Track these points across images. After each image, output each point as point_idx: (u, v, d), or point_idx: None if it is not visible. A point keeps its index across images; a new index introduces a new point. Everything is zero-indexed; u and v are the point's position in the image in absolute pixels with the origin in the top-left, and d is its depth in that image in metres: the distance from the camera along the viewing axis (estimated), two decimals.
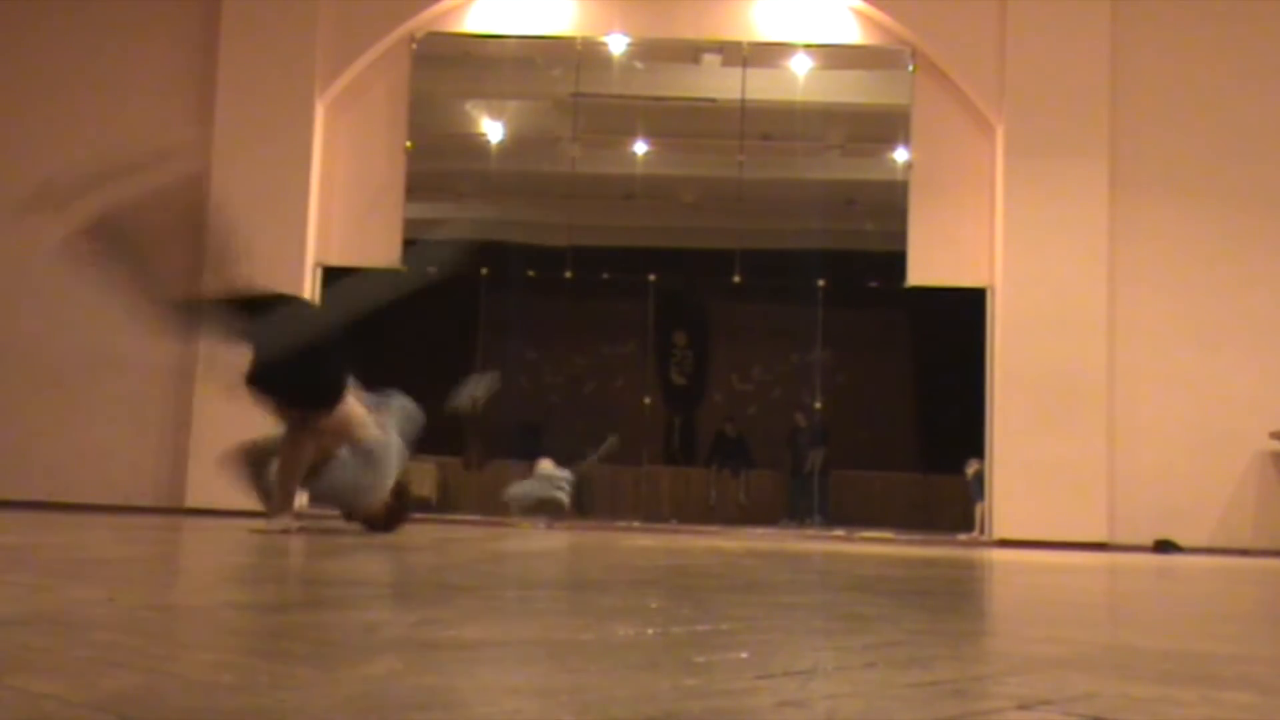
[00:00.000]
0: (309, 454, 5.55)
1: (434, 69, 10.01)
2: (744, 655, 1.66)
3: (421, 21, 9.79)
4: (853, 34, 9.80)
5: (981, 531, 9.40)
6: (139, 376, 9.58)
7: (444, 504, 10.34)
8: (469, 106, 10.49)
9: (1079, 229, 9.24)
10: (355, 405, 5.69)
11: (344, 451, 5.69)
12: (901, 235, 9.63)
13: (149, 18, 9.88)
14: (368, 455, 5.63)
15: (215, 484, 9.20)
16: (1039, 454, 9.01)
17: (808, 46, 9.90)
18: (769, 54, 9.96)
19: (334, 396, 5.50)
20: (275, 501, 5.61)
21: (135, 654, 1.48)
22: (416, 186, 9.86)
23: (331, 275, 9.64)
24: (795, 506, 11.14)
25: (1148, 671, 1.68)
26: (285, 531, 5.35)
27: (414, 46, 9.81)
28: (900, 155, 9.79)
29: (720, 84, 10.08)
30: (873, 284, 10.23)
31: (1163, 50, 9.54)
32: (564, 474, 8.89)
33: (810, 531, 9.78)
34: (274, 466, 5.69)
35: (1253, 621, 3.08)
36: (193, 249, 4.90)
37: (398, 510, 5.92)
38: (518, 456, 9.70)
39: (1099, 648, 2.08)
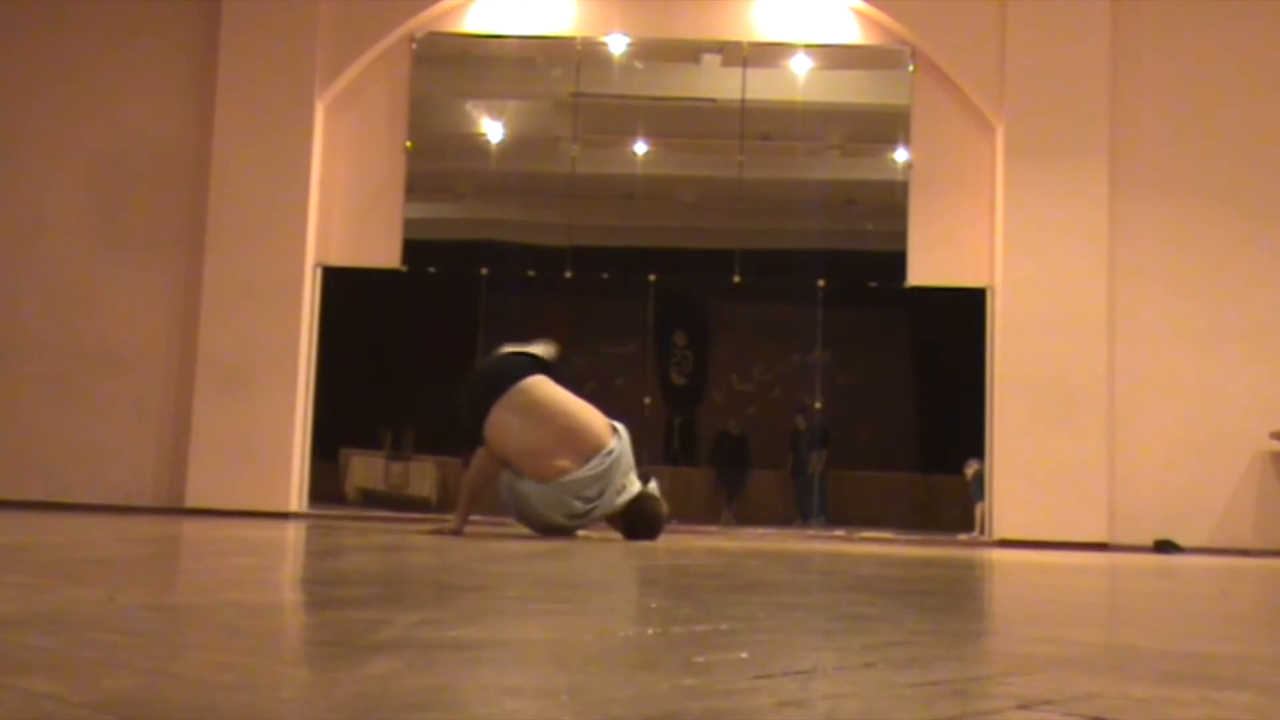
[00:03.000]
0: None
1: (434, 69, 10.01)
2: (744, 655, 1.66)
3: (421, 21, 9.79)
4: (853, 34, 9.80)
5: (981, 531, 9.40)
6: (139, 376, 9.59)
7: (444, 504, 10.33)
8: (469, 106, 10.49)
9: (1079, 229, 9.25)
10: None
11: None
12: (901, 235, 9.63)
13: (149, 18, 9.88)
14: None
15: (215, 484, 9.24)
16: (1039, 454, 9.01)
17: (808, 46, 9.90)
18: (769, 54, 9.96)
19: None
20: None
21: (135, 654, 1.48)
22: (416, 186, 9.86)
23: (331, 275, 9.64)
24: (801, 507, 11.10)
25: (1148, 671, 1.68)
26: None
27: (414, 46, 9.81)
28: (900, 155, 9.78)
29: (720, 84, 10.07)
30: (873, 284, 10.23)
31: (1163, 50, 9.54)
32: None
33: (810, 531, 9.77)
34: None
35: (1253, 621, 3.08)
36: None
37: None
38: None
39: (1099, 648, 2.08)
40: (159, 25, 9.89)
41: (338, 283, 9.66)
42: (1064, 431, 9.03)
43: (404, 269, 9.70)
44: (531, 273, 10.05)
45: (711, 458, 11.76)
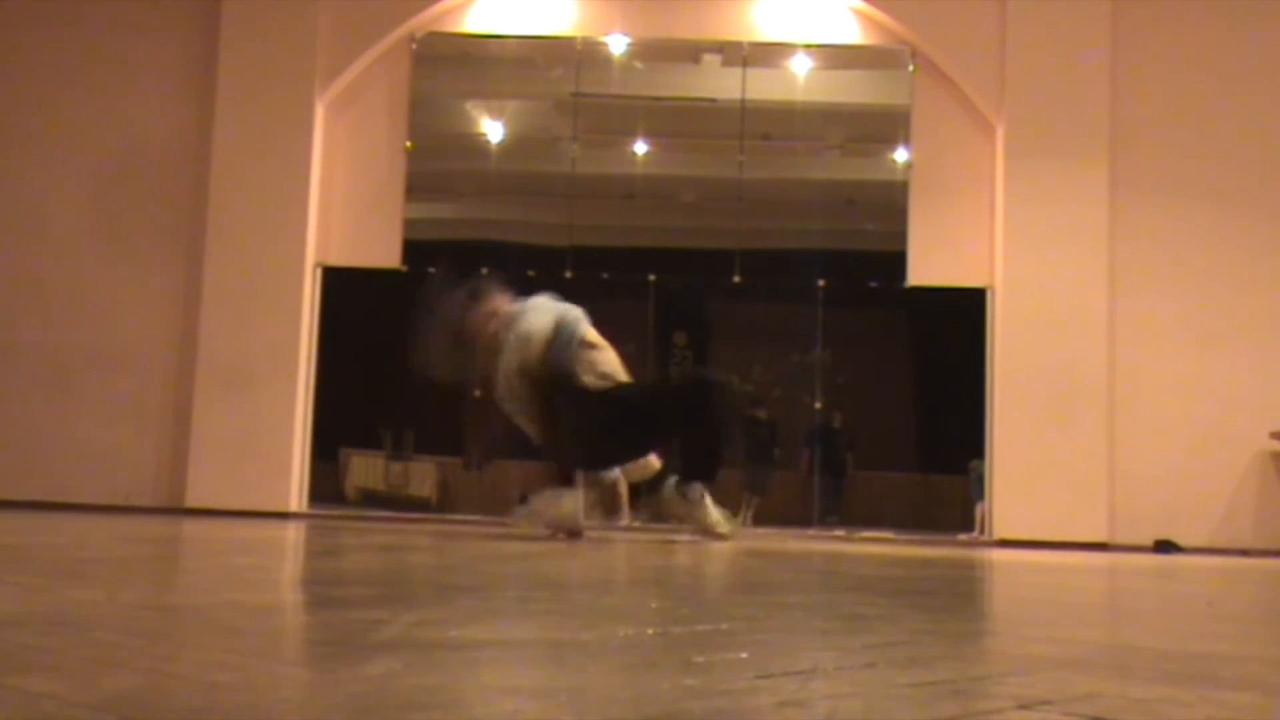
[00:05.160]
0: None
1: (434, 69, 10.01)
2: (744, 655, 1.66)
3: (421, 21, 9.79)
4: (853, 34, 9.80)
5: (981, 531, 9.40)
6: (139, 376, 9.59)
7: (444, 504, 10.33)
8: (469, 106, 10.49)
9: (1079, 229, 9.25)
10: None
11: None
12: (901, 235, 9.63)
13: (148, 18, 9.88)
14: None
15: (215, 484, 9.24)
16: (1039, 454, 9.01)
17: (808, 46, 9.90)
18: (769, 54, 9.95)
19: None
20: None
21: (135, 654, 1.49)
22: (416, 186, 9.86)
23: (331, 275, 9.64)
24: (834, 506, 10.96)
25: (1148, 671, 1.68)
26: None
27: (414, 46, 9.81)
28: (900, 155, 9.78)
29: (720, 84, 10.07)
30: (873, 284, 10.23)
31: (1164, 50, 9.54)
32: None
33: (810, 531, 9.77)
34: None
35: (1253, 621, 3.08)
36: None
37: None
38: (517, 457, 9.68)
39: (1099, 648, 2.08)
40: (159, 25, 9.88)
41: (338, 283, 9.66)
42: (1064, 431, 9.03)
43: (404, 269, 9.71)
44: (531, 273, 10.03)
45: (741, 449, 11.52)
